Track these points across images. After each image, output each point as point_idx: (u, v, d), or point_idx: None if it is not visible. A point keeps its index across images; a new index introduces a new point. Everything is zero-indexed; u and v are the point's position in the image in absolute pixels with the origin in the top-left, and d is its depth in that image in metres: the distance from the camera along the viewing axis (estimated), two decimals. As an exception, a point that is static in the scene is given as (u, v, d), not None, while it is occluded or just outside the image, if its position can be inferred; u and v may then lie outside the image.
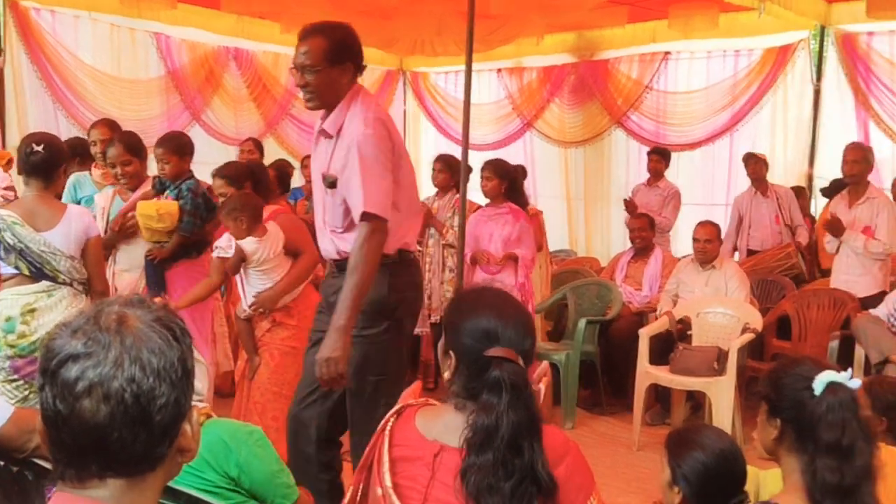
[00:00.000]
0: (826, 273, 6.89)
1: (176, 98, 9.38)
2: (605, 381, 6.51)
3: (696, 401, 6.17)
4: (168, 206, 4.56)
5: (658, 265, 6.91)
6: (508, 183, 6.16)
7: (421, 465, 1.97)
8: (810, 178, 8.90)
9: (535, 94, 10.40)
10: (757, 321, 5.84)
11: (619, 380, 6.45)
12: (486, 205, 6.34)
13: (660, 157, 8.27)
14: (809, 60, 8.67)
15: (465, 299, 2.16)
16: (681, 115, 9.49)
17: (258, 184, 4.75)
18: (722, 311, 6.03)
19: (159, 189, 4.73)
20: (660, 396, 6.20)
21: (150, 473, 1.27)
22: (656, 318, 6.27)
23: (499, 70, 10.65)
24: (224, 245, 4.35)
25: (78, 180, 5.20)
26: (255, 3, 8.36)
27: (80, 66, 8.63)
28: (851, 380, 2.10)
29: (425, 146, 11.55)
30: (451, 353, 2.02)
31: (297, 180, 8.29)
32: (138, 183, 4.75)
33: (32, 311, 3.84)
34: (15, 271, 3.90)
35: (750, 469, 2.68)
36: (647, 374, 5.67)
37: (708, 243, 6.25)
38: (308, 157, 8.34)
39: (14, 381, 3.80)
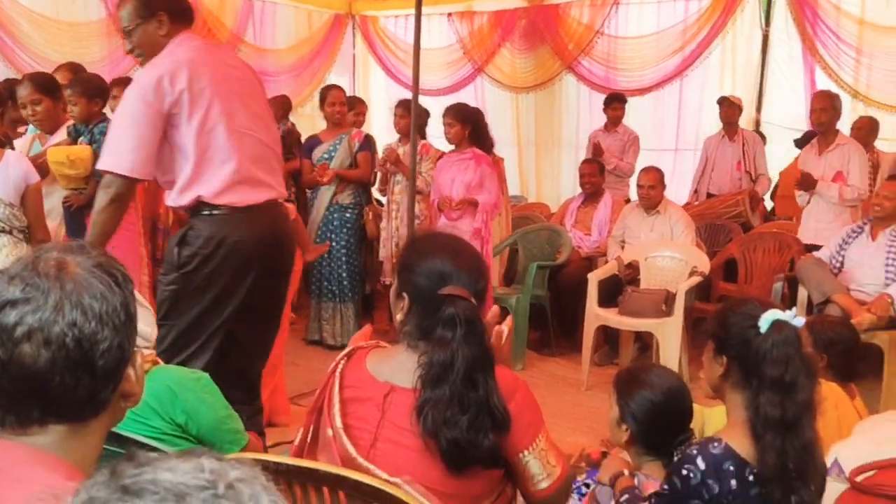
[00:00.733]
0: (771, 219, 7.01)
1: (118, 41, 9.10)
2: (554, 323, 6.58)
3: (644, 342, 6.28)
4: (80, 151, 4.46)
5: (607, 210, 6.96)
6: (471, 127, 6.11)
7: (371, 405, 1.98)
8: (758, 124, 8.98)
9: (486, 38, 10.32)
10: (704, 264, 5.93)
11: (568, 322, 6.52)
12: (451, 150, 6.30)
13: (620, 104, 8.26)
14: (758, 6, 8.71)
15: (418, 243, 2.18)
16: (631, 60, 9.48)
17: None
18: (670, 254, 6.11)
19: (74, 135, 4.63)
20: (608, 338, 6.29)
21: (94, 419, 1.25)
22: (605, 263, 6.34)
23: (449, 14, 10.53)
24: None
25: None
26: (199, -57, 8.14)
27: (16, 6, 8.34)
28: (795, 318, 2.14)
29: (375, 91, 11.41)
30: (405, 294, 2.05)
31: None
32: (53, 126, 4.64)
33: (-29, 259, 3.75)
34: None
35: (696, 407, 2.74)
36: (596, 316, 5.74)
37: (651, 189, 6.30)
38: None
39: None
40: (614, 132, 8.24)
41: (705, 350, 2.29)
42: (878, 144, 7.39)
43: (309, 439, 2.04)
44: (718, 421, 2.76)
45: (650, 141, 9.35)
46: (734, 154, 7.78)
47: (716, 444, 2.10)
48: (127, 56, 9.16)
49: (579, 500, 2.84)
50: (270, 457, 1.90)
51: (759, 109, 8.99)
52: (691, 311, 5.95)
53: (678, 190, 8.89)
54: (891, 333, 5.05)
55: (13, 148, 4.74)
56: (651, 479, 2.46)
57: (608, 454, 2.79)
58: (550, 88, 9.99)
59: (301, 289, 6.97)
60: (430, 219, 6.58)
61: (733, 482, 2.06)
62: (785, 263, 6.33)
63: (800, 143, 7.91)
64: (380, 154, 6.85)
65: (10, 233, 3.84)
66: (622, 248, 6.45)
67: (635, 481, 2.48)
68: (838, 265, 5.40)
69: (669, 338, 5.47)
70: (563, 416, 5.03)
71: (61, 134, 4.64)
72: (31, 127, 5.06)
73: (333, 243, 6.49)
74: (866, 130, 7.19)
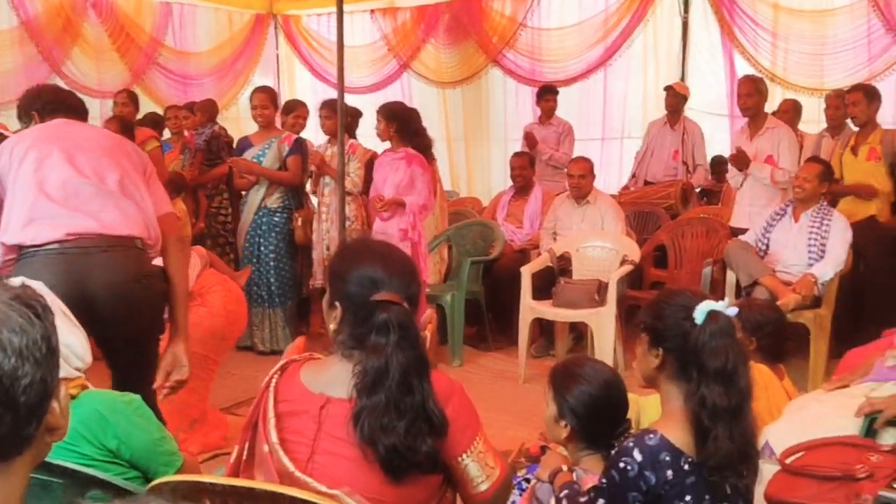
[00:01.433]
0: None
1: (32, 50, 8.90)
2: (490, 318, 6.62)
3: (579, 332, 6.35)
4: None
5: (538, 203, 7.02)
6: (397, 124, 6.07)
7: (307, 418, 1.97)
8: (681, 110, 9.14)
9: (410, 34, 10.31)
10: (634, 252, 6.01)
11: (504, 316, 6.57)
12: (386, 150, 6.27)
13: (553, 95, 8.30)
14: (677, -7, 8.87)
15: (348, 250, 2.18)
16: (555, 51, 9.56)
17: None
18: (600, 244, 6.18)
19: None
20: (544, 330, 6.35)
21: (18, 457, 1.22)
22: (538, 255, 6.39)
23: (372, 11, 10.50)
24: None
25: None
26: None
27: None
28: (728, 308, 2.18)
29: (301, 91, 11.29)
30: (337, 303, 2.03)
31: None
32: None
33: None
34: None
35: (631, 396, 2.78)
36: (531, 308, 5.79)
37: (582, 178, 6.37)
38: (173, 107, 8.08)
39: None
40: (548, 124, 8.29)
41: (638, 342, 2.31)
42: (800, 126, 7.57)
43: (245, 456, 2.02)
44: (653, 409, 2.80)
45: (578, 131, 9.41)
46: (672, 142, 7.86)
47: (651, 435, 2.13)
48: (43, 63, 8.99)
49: (520, 495, 2.86)
50: (206, 478, 1.87)
51: (682, 96, 9.15)
52: (624, 300, 6.04)
53: (607, 179, 9.02)
54: (815, 312, 5.20)
55: None
56: (590, 473, 2.49)
57: (548, 448, 2.81)
58: (477, 82, 10.03)
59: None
60: (363, 219, 6.55)
61: (669, 472, 2.10)
62: (714, 248, 6.45)
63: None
64: None
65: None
66: (554, 239, 6.50)
67: (573, 476, 2.51)
68: (764, 248, 5.52)
69: (603, 327, 5.54)
70: (502, 409, 5.06)
71: None
72: None
73: (262, 247, 6.42)
74: (791, 114, 7.36)
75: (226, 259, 7.04)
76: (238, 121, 10.07)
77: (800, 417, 2.97)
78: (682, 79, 9.00)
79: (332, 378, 2.00)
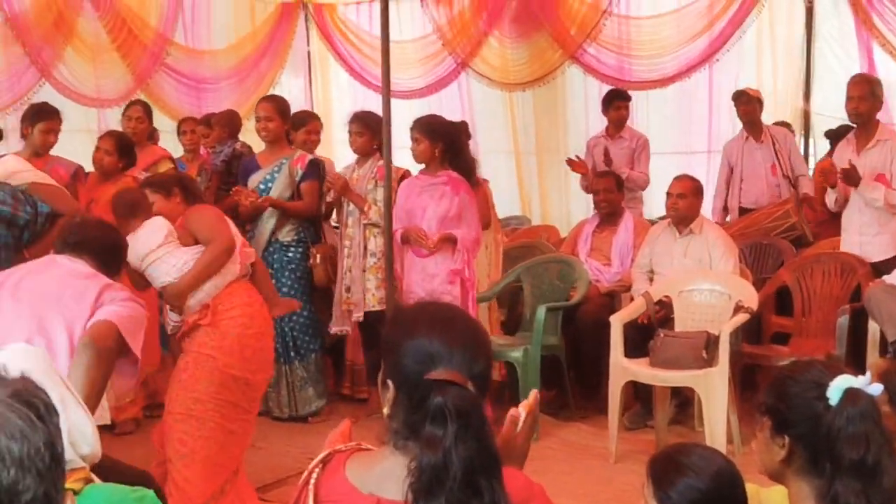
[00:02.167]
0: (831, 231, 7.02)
1: (18, 50, 9.13)
2: (572, 379, 6.59)
3: (684, 397, 6.28)
4: None
5: (629, 234, 6.99)
6: (444, 145, 6.12)
7: (355, 522, 1.98)
8: (807, 116, 9.05)
9: (470, 26, 10.37)
10: (751, 297, 5.94)
11: (589, 377, 6.55)
12: (420, 171, 6.32)
13: (624, 102, 8.30)
14: (799, -29, 8.82)
15: (404, 316, 2.18)
16: (648, 44, 9.54)
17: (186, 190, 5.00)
18: (708, 287, 6.13)
19: None
20: (639, 394, 6.30)
21: None
22: (630, 300, 6.36)
23: (423, -2, 10.61)
24: None
25: None
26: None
27: None
28: (871, 385, 2.14)
29: (337, 96, 11.47)
30: (389, 382, 2.03)
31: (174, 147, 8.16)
32: None
33: None
34: None
35: (750, 488, 2.73)
36: (623, 369, 5.74)
37: (680, 199, 6.35)
38: (189, 119, 8.24)
39: None
40: (619, 137, 8.26)
41: (759, 426, 2.28)
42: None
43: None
44: (779, 504, 2.76)
45: (676, 142, 9.42)
46: (765, 157, 7.82)
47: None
48: (31, 66, 9.21)
49: None
50: None
51: (807, 98, 9.06)
52: (739, 357, 5.96)
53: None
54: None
55: None
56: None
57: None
58: (551, 83, 10.02)
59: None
60: (395, 255, 6.58)
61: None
62: (850, 290, 6.35)
63: (832, 135, 7.96)
64: None
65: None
66: (650, 280, 6.46)
67: None
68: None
69: (714, 392, 5.48)
70: (589, 496, 5.02)
71: None
72: None
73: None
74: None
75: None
76: (262, 133, 10.25)
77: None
78: (808, 77, 8.93)
79: (384, 475, 1.99)
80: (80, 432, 2.19)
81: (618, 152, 8.19)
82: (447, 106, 10.21)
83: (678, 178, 6.54)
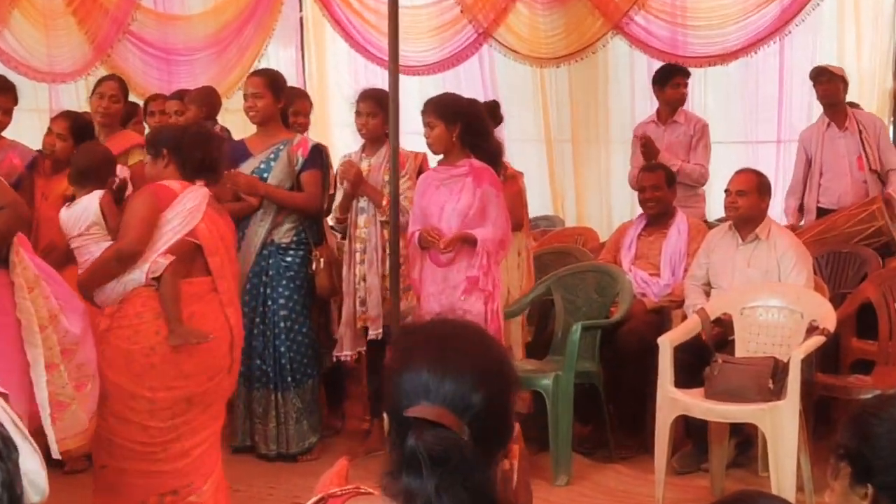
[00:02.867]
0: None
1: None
2: (612, 412, 6.58)
3: (745, 435, 6.27)
4: None
5: (682, 238, 6.99)
6: (462, 128, 6.08)
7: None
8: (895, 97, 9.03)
9: (493, -13, 10.40)
10: (827, 316, 5.92)
11: (632, 410, 6.54)
12: (439, 163, 6.30)
13: (684, 78, 8.27)
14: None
15: (405, 337, 2.19)
16: (707, 12, 9.54)
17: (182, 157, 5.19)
18: (776, 303, 6.12)
19: None
20: (692, 432, 6.29)
21: None
22: (683, 318, 6.36)
23: (438, -45, 10.62)
24: None
25: None
26: None
27: None
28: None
29: (334, 71, 11.46)
30: (385, 415, 2.07)
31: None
32: None
33: None
34: None
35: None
36: (673, 401, 5.73)
37: (741, 196, 6.36)
38: (157, 97, 8.26)
39: None
40: (672, 123, 8.23)
41: (836, 473, 2.29)
42: None
43: None
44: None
45: (739, 130, 9.41)
46: (849, 148, 7.83)
47: None
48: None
49: None
50: None
51: (897, 77, 9.06)
52: (812, 388, 5.95)
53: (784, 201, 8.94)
54: None
55: None
56: None
57: None
58: (591, 59, 10.02)
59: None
60: (407, 261, 6.57)
61: None
62: (946, 309, 6.35)
63: None
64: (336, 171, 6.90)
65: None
66: (706, 294, 6.46)
67: None
68: None
69: (782, 430, 5.46)
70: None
71: None
72: None
73: (269, 301, 6.51)
74: None
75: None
76: (244, 115, 10.25)
77: None
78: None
79: (381, 522, 2.02)
80: (30, 482, 2.21)
81: (671, 140, 8.15)
82: (466, 84, 10.21)
83: (739, 173, 6.53)
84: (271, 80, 6.65)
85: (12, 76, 8.98)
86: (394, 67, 5.66)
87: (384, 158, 6.56)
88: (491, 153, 6.22)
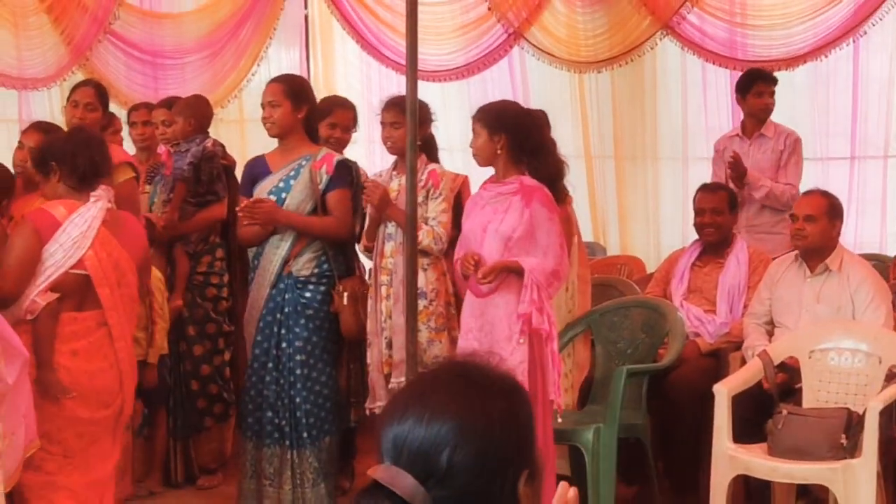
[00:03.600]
0: None
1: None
2: (661, 470, 6.57)
3: (814, 497, 6.24)
4: None
5: (742, 270, 6.98)
6: (507, 139, 6.00)
7: None
8: None
9: (526, -17, 10.42)
10: (910, 361, 5.92)
11: (684, 468, 6.52)
12: (490, 178, 6.25)
13: (769, 85, 8.21)
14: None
15: (401, 391, 2.20)
16: (770, 10, 9.56)
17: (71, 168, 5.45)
18: (850, 345, 6.10)
19: None
20: (753, 493, 6.27)
21: None
22: (742, 363, 6.33)
23: (463, -54, 10.65)
24: None
25: None
26: None
27: None
28: None
29: (343, 76, 11.48)
30: None
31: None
32: None
33: None
34: None
35: None
36: (731, 458, 5.71)
37: (809, 222, 6.35)
38: (141, 106, 8.25)
39: None
40: (760, 136, 8.21)
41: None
42: None
43: None
44: None
45: (807, 145, 9.32)
46: None
47: None
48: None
49: None
50: None
51: None
52: (891, 445, 5.91)
53: (860, 226, 8.92)
54: None
55: None
56: None
57: None
58: (637, 62, 10.03)
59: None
60: (447, 295, 6.52)
61: None
62: None
63: None
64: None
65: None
66: (769, 334, 6.44)
67: None
68: None
69: (856, 491, 5.42)
70: None
71: None
72: None
73: (283, 343, 6.47)
74: None
75: (217, 360, 7.15)
76: (241, 126, 10.29)
77: None
78: None
79: None
80: None
81: (758, 156, 8.13)
82: (493, 91, 10.22)
83: (807, 195, 6.54)
84: (289, 87, 6.60)
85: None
86: (412, 73, 5.66)
87: (417, 177, 6.48)
88: (547, 173, 6.10)
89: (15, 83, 9.50)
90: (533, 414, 2.15)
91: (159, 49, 10.48)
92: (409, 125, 5.75)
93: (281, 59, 11.20)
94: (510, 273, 5.86)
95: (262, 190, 6.52)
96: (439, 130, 7.31)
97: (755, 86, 8.27)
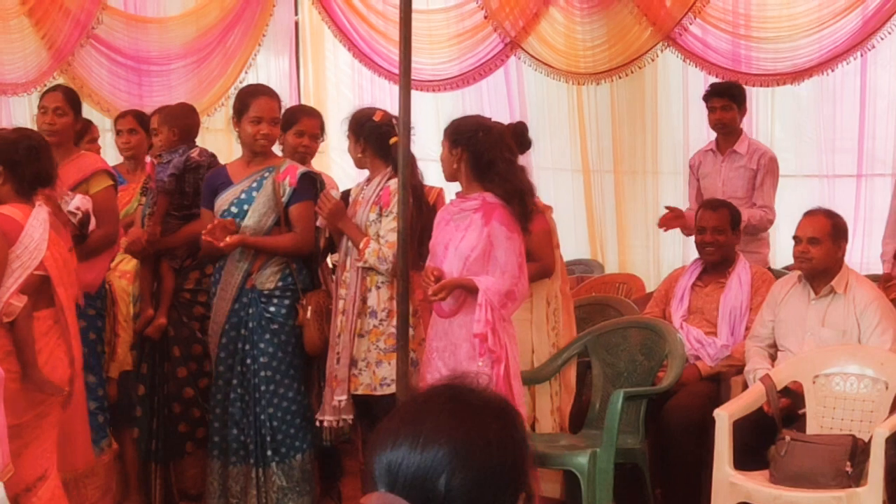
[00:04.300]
0: None
1: None
2: (659, 497, 6.55)
3: (818, 527, 6.24)
4: None
5: (744, 290, 6.97)
6: (467, 153, 5.98)
7: None
8: None
9: (523, -10, 10.43)
10: (917, 386, 5.92)
11: (682, 495, 6.48)
12: (458, 193, 6.26)
13: (729, 99, 8.23)
14: None
15: (390, 416, 2.20)
16: (775, 21, 9.57)
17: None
18: (856, 370, 6.10)
19: None
20: (755, 522, 6.25)
21: None
22: (744, 387, 6.32)
23: (458, -48, 10.66)
24: None
25: None
26: None
27: None
28: None
29: (334, 85, 11.50)
30: None
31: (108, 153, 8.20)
32: None
33: None
34: None
35: None
36: (732, 485, 5.71)
37: (813, 244, 6.35)
38: (129, 114, 8.22)
39: None
40: (732, 153, 8.19)
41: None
42: None
43: None
44: None
45: (812, 162, 9.41)
46: None
47: None
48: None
49: None
50: None
51: None
52: (899, 473, 5.92)
53: (867, 247, 8.92)
54: None
55: None
56: None
57: None
58: (638, 75, 10.06)
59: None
60: (421, 314, 6.50)
61: None
62: None
63: None
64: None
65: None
66: (772, 358, 6.43)
67: None
68: None
69: (862, 522, 5.44)
70: None
71: None
72: None
73: (247, 359, 6.45)
74: None
75: (202, 382, 7.09)
76: (228, 135, 10.26)
77: None
78: None
79: None
80: None
81: (730, 174, 8.13)
82: (489, 103, 10.28)
83: (809, 216, 6.51)
84: (279, 103, 6.75)
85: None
86: (405, 82, 5.64)
87: (374, 191, 6.49)
88: (508, 190, 6.00)
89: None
90: (526, 434, 2.16)
91: (144, 55, 10.47)
92: (402, 137, 5.72)
93: (270, 67, 11.22)
94: (468, 292, 5.90)
95: (224, 201, 6.53)
96: (429, 142, 7.33)
97: (710, 100, 8.29)
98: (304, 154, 7.01)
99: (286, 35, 11.48)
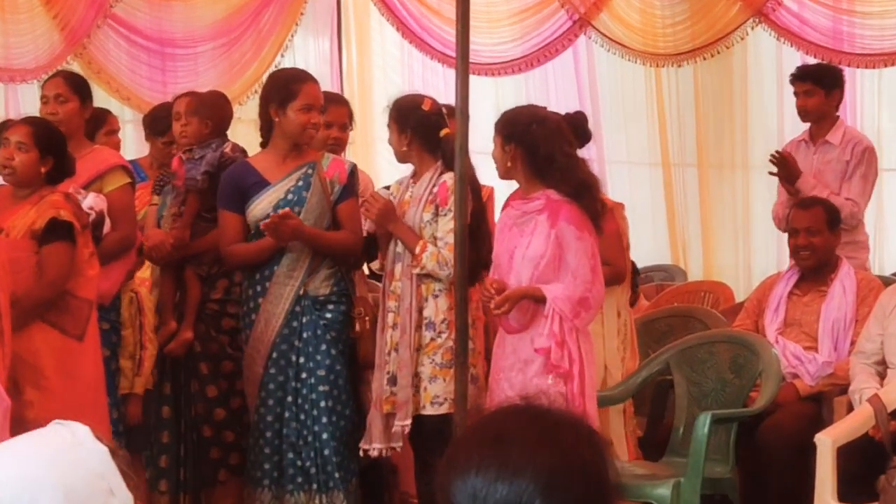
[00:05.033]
0: None
1: None
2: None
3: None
4: None
5: (849, 300, 6.94)
6: (520, 150, 5.99)
7: None
8: None
9: (594, -38, 10.45)
10: None
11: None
12: (514, 192, 6.25)
13: (813, 83, 8.17)
14: None
15: (466, 435, 2.21)
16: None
17: None
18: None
19: None
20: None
21: None
22: (849, 409, 6.30)
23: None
24: None
25: None
26: None
27: None
28: None
29: (380, 67, 11.53)
30: None
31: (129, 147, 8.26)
32: None
33: None
34: None
35: None
36: (836, 520, 5.70)
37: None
38: (161, 106, 8.23)
39: None
40: (824, 143, 8.15)
41: None
42: None
43: None
44: None
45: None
46: None
47: None
48: None
49: None
50: None
51: None
52: None
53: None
54: None
55: None
56: None
57: None
58: (725, 55, 10.07)
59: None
60: (480, 335, 6.51)
61: None
62: None
63: None
64: None
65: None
66: (881, 376, 6.41)
67: None
68: None
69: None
70: None
71: None
72: None
73: (303, 373, 6.48)
74: None
75: (234, 403, 7.10)
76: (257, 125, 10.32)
77: None
78: None
79: None
80: None
81: (821, 166, 8.07)
82: (556, 88, 10.30)
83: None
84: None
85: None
86: (462, 66, 5.65)
87: (426, 189, 6.49)
88: (574, 185, 5.99)
89: (1, 75, 9.56)
90: (614, 461, 2.17)
91: (168, 36, 10.52)
92: (459, 126, 5.74)
93: (308, 49, 11.25)
94: (537, 303, 5.87)
95: (266, 204, 6.49)
96: (488, 133, 7.33)
97: (794, 84, 8.23)
98: (333, 147, 7.02)
99: (327, 13, 11.49)
